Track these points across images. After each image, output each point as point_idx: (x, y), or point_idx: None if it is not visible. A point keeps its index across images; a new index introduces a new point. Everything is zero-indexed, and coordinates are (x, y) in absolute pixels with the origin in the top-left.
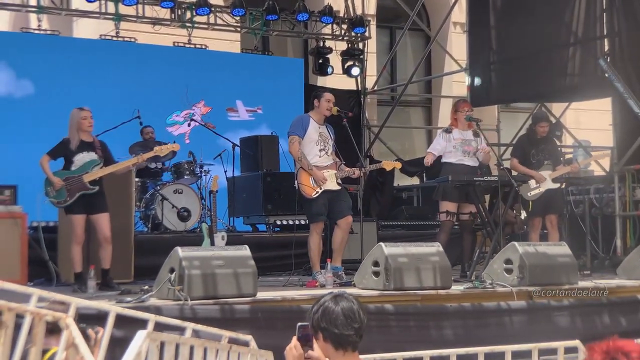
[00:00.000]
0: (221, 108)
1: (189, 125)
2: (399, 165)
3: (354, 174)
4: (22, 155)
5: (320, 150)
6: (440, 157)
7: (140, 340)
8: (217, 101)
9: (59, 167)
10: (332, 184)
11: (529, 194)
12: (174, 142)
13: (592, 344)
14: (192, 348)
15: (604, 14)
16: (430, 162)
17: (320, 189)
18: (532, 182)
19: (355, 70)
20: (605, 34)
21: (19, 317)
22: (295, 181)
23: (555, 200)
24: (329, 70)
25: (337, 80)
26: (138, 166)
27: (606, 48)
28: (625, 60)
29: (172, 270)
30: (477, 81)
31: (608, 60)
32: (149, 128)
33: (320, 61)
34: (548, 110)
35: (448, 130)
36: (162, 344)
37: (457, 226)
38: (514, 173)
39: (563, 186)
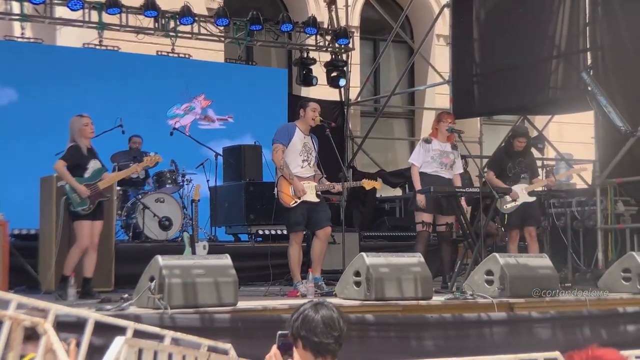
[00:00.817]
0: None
1: (174, 130)
2: (378, 185)
3: (334, 188)
4: (4, 162)
5: (303, 160)
6: None
7: (118, 346)
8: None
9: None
10: (311, 196)
11: (505, 206)
12: (156, 153)
13: (572, 352)
14: (170, 355)
15: (587, 27)
16: (417, 176)
17: (299, 199)
18: (507, 197)
19: (342, 81)
20: (588, 47)
21: None
22: (275, 188)
23: (533, 212)
24: (314, 81)
25: (320, 90)
26: None
27: (589, 61)
28: (608, 73)
29: (152, 279)
30: (460, 93)
31: (591, 73)
32: (138, 138)
33: (305, 72)
34: (531, 123)
35: (427, 141)
36: (141, 351)
37: (434, 237)
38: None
39: (542, 199)
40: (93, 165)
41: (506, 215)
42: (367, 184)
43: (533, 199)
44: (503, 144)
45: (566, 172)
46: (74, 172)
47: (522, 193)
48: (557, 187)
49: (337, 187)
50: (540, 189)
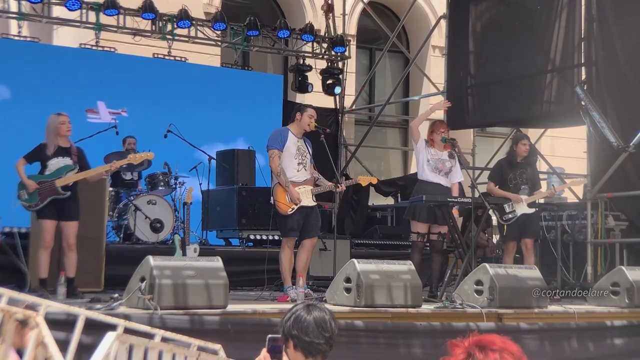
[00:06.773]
0: (196, 120)
1: (168, 133)
2: (374, 180)
3: (338, 188)
4: None
5: (299, 164)
6: (415, 174)
7: (109, 341)
8: (194, 113)
9: (34, 171)
10: (307, 201)
11: (503, 217)
12: (149, 151)
13: None
14: (160, 353)
15: (582, 42)
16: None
17: (296, 205)
18: (506, 207)
19: (337, 89)
20: (582, 62)
21: None
22: (272, 197)
23: (531, 224)
24: (310, 87)
25: (315, 98)
26: (112, 174)
27: (583, 76)
28: (601, 88)
29: (142, 279)
30: (454, 104)
31: (585, 88)
32: (132, 139)
33: (300, 79)
34: None
35: (428, 143)
36: (131, 348)
37: (427, 247)
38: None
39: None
40: (56, 163)
41: (505, 227)
42: (363, 180)
43: (532, 210)
44: (505, 155)
45: (564, 185)
46: (39, 170)
47: (521, 204)
48: (548, 200)
49: (341, 187)
50: (540, 200)
